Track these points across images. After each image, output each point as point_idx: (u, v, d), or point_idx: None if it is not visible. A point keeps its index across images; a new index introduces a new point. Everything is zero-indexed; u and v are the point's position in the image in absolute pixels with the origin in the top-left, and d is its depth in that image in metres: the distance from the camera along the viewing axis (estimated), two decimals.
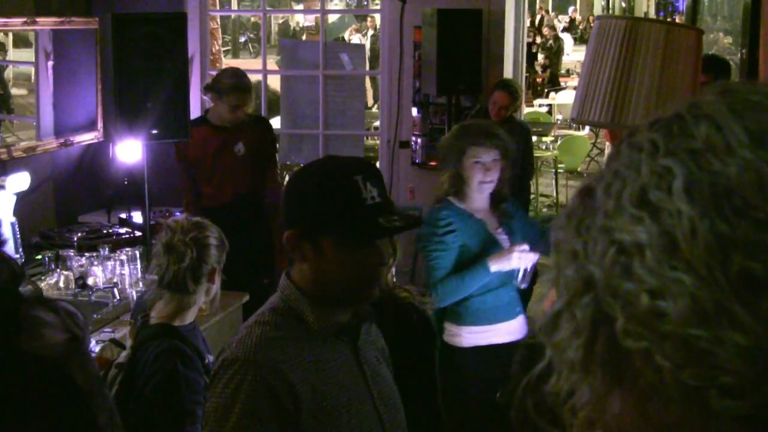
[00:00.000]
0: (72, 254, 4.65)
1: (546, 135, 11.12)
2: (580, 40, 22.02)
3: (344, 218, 1.94)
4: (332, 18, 14.82)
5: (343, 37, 14.81)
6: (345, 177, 1.96)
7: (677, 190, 0.64)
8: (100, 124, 6.82)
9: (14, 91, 7.16)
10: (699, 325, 0.62)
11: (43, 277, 4.54)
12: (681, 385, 0.63)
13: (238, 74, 5.51)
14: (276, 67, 9.40)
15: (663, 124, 0.69)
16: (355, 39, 14.68)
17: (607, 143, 8.63)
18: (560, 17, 22.63)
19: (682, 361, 0.63)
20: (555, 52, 16.49)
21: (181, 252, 2.97)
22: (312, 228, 1.96)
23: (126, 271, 4.48)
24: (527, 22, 7.77)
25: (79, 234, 5.63)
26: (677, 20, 15.63)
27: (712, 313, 0.62)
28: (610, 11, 25.24)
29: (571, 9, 23.28)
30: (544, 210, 10.53)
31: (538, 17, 18.90)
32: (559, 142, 11.16)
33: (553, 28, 17.77)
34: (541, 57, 15.92)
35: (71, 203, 6.73)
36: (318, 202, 1.96)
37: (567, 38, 19.24)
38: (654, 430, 0.67)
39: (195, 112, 6.73)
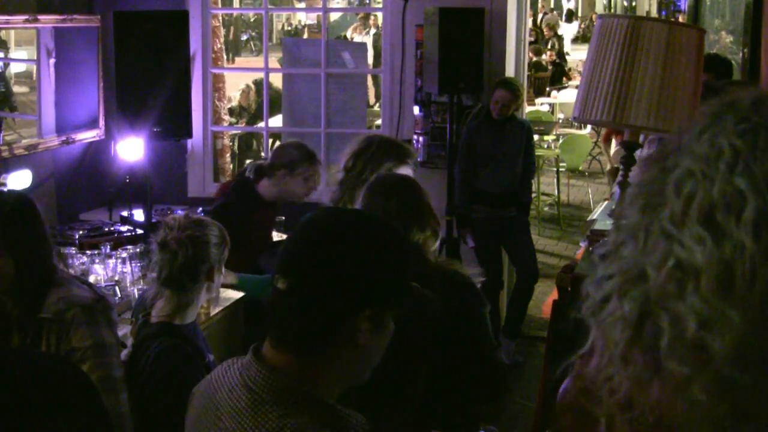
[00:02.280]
0: (73, 252, 4.65)
1: (548, 134, 11.11)
2: (582, 39, 22.02)
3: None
4: (334, 16, 14.81)
5: (345, 36, 14.81)
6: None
7: (746, 220, 0.61)
8: (101, 122, 6.82)
9: (16, 88, 7.16)
10: (741, 369, 0.60)
11: None
12: (714, 417, 0.62)
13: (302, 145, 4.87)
14: (278, 66, 9.39)
15: (750, 129, 0.65)
16: (359, 38, 14.67)
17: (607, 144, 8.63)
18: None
19: (719, 397, 0.61)
20: (558, 51, 16.49)
21: (173, 250, 2.97)
22: (385, 303, 1.67)
23: (127, 269, 4.47)
24: (529, 21, 7.76)
25: (81, 232, 5.63)
26: (680, 19, 15.62)
27: (757, 361, 0.60)
28: (612, 10, 25.23)
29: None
30: (546, 209, 10.52)
31: (540, 15, 18.86)
32: (560, 141, 11.14)
33: (552, 27, 17.75)
34: (545, 56, 15.91)
35: (73, 201, 6.73)
36: (393, 273, 1.69)
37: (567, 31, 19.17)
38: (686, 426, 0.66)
39: (197, 110, 6.73)
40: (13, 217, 2.67)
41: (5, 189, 5.34)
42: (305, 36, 18.73)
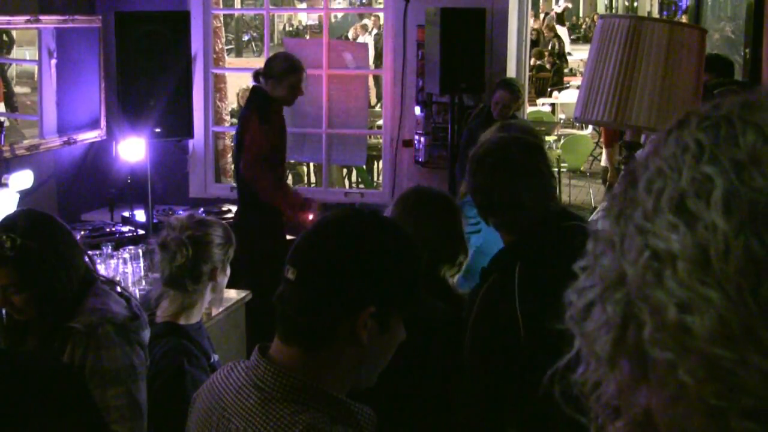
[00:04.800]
0: None
1: (549, 134, 11.10)
2: (583, 39, 22.01)
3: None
4: (336, 17, 14.82)
5: (347, 36, 14.80)
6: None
7: (715, 201, 0.63)
8: (103, 123, 6.83)
9: (17, 89, 7.17)
10: (724, 345, 0.61)
11: None
12: (703, 401, 0.63)
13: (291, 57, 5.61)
14: None
15: (712, 124, 0.67)
16: (360, 39, 14.66)
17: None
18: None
19: (705, 378, 0.62)
20: (558, 53, 16.48)
21: (173, 250, 2.96)
22: (391, 304, 1.66)
23: (129, 269, 4.47)
24: (531, 21, 7.76)
25: (82, 232, 5.63)
26: (683, 20, 15.62)
27: (739, 335, 0.61)
28: (614, 11, 25.24)
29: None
30: None
31: (542, 15, 18.83)
32: (561, 142, 11.14)
33: (552, 28, 17.73)
34: (545, 54, 15.89)
35: (74, 201, 6.74)
36: (401, 275, 1.68)
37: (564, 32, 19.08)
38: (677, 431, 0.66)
39: (198, 110, 6.74)
40: (27, 251, 2.59)
41: (7, 189, 5.35)
42: (306, 37, 18.72)
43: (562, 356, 0.75)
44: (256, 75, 5.46)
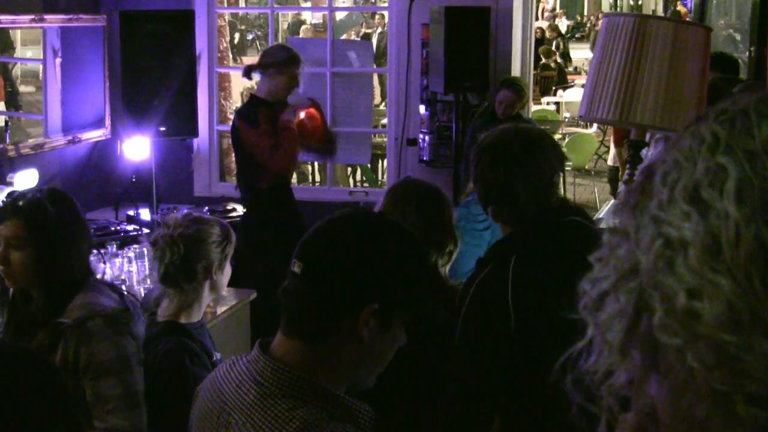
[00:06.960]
0: None
1: (554, 133, 11.09)
2: (587, 38, 21.98)
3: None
4: (340, 15, 14.82)
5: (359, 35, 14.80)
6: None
7: (728, 191, 0.64)
8: (107, 122, 6.84)
9: (22, 88, 7.18)
10: (732, 331, 0.62)
11: None
12: (710, 387, 0.63)
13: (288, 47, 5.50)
14: None
15: (728, 117, 0.69)
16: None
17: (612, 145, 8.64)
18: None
19: (713, 363, 0.63)
20: (562, 52, 16.48)
21: (162, 248, 2.95)
22: (394, 302, 1.66)
23: (133, 268, 4.48)
24: (535, 20, 7.76)
25: None
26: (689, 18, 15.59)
27: (747, 321, 0.62)
28: (618, 9, 25.20)
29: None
30: None
31: (546, 15, 18.81)
32: (566, 140, 11.13)
33: (555, 28, 17.71)
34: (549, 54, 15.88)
35: (79, 200, 6.65)
36: (406, 274, 1.69)
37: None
38: (684, 422, 0.67)
39: (202, 109, 6.75)
40: (41, 209, 2.64)
41: (13, 188, 5.36)
42: (302, 30, 18.69)
43: (551, 349, 0.76)
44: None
